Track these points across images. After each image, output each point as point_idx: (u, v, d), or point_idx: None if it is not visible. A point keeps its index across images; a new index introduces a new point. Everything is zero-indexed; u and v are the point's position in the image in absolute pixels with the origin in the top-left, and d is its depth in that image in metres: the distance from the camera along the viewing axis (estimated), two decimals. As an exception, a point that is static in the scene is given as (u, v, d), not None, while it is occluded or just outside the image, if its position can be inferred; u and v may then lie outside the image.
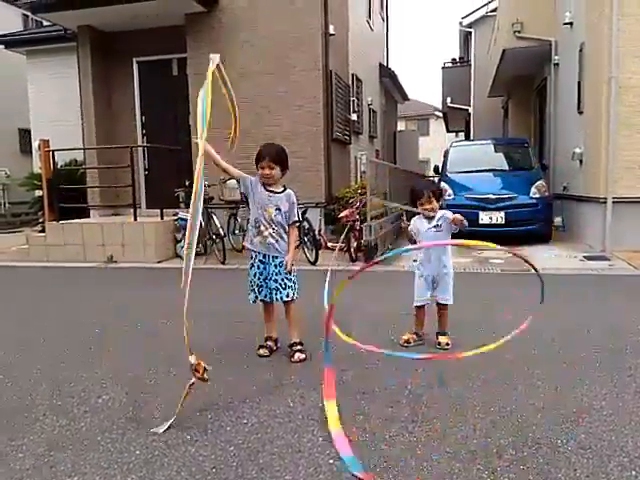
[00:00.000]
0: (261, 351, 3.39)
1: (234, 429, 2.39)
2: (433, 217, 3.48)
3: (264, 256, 3.36)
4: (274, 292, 3.33)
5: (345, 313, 4.35)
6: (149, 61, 9.59)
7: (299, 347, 3.33)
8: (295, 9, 8.46)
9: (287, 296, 3.33)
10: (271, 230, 3.32)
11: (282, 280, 3.32)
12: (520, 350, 3.36)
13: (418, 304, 3.56)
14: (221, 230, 7.44)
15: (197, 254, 8.29)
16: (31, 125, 12.17)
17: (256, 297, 3.40)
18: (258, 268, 3.37)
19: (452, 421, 2.41)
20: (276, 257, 3.33)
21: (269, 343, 3.43)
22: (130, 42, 9.49)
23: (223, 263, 7.18)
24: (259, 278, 3.37)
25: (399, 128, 22.78)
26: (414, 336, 3.53)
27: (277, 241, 3.33)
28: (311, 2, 8.44)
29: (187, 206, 8.75)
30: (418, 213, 3.54)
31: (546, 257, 7.10)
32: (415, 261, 3.71)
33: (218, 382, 2.94)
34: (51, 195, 8.25)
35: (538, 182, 8.41)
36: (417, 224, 3.56)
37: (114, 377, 3.08)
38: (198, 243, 8.21)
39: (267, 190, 3.34)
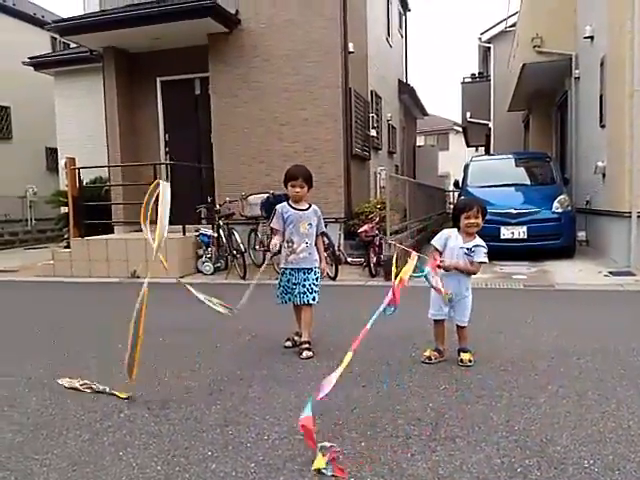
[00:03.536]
0: (287, 343, 3.87)
1: (255, 445, 2.38)
2: (471, 234, 3.41)
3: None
4: (301, 295, 3.74)
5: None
6: (172, 80, 9.80)
7: (307, 345, 3.69)
8: (315, 27, 8.58)
9: (313, 299, 3.75)
10: (304, 245, 3.76)
11: (309, 286, 3.75)
12: (544, 367, 3.31)
13: (436, 318, 3.51)
14: (242, 246, 7.49)
15: (218, 269, 8.42)
16: (58, 144, 12.48)
17: (282, 301, 3.86)
18: (291, 275, 3.80)
19: (475, 440, 2.37)
20: (305, 267, 3.76)
21: (295, 337, 3.89)
22: (154, 62, 9.73)
23: (244, 278, 7.22)
24: (286, 284, 3.81)
25: (418, 143, 22.78)
26: (435, 353, 3.48)
27: (310, 254, 3.79)
28: (330, 21, 8.55)
29: (208, 222, 8.94)
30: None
31: (570, 272, 6.99)
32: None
33: (239, 398, 2.95)
34: (76, 212, 8.42)
35: (561, 196, 8.31)
36: (451, 239, 3.43)
37: (136, 392, 3.10)
38: (219, 258, 8.36)
39: (295, 209, 3.80)
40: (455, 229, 3.48)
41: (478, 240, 3.43)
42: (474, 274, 3.49)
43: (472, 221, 3.37)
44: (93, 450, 2.40)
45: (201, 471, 2.18)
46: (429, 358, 3.46)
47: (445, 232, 3.53)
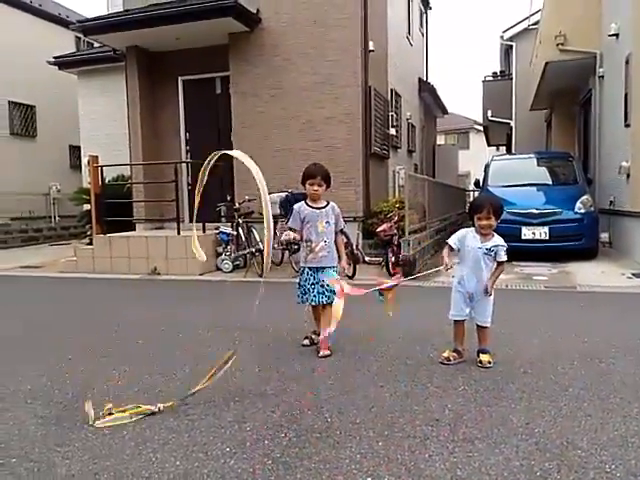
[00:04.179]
0: (305, 341, 3.89)
1: (272, 443, 2.39)
2: (487, 234, 3.37)
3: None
4: (320, 296, 3.73)
5: (383, 328, 4.33)
6: (193, 80, 9.88)
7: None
8: (335, 26, 8.57)
9: (332, 299, 3.63)
10: (322, 244, 3.75)
11: (327, 285, 3.71)
12: (565, 370, 3.26)
13: (457, 319, 3.49)
14: (260, 244, 7.53)
15: (237, 267, 8.47)
16: (81, 142, 12.69)
17: (302, 300, 3.84)
18: (308, 274, 3.80)
19: (494, 442, 2.35)
20: (324, 266, 3.74)
21: (313, 336, 3.90)
22: (175, 61, 9.82)
23: (261, 276, 7.25)
24: (305, 283, 3.80)
25: (438, 142, 22.61)
26: (454, 354, 3.45)
27: (329, 252, 3.77)
28: (351, 19, 8.54)
29: (228, 221, 8.99)
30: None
31: (592, 274, 6.87)
32: (454, 276, 3.63)
33: (257, 395, 2.97)
34: (99, 209, 8.55)
35: (584, 197, 8.18)
36: (468, 239, 3.39)
37: (156, 388, 3.14)
38: (238, 256, 8.42)
39: (312, 207, 3.79)
40: (472, 228, 3.44)
41: (497, 239, 3.38)
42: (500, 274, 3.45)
43: (484, 223, 3.33)
44: (114, 444, 2.44)
45: (219, 467, 2.20)
46: (448, 359, 3.43)
47: (462, 231, 3.49)
